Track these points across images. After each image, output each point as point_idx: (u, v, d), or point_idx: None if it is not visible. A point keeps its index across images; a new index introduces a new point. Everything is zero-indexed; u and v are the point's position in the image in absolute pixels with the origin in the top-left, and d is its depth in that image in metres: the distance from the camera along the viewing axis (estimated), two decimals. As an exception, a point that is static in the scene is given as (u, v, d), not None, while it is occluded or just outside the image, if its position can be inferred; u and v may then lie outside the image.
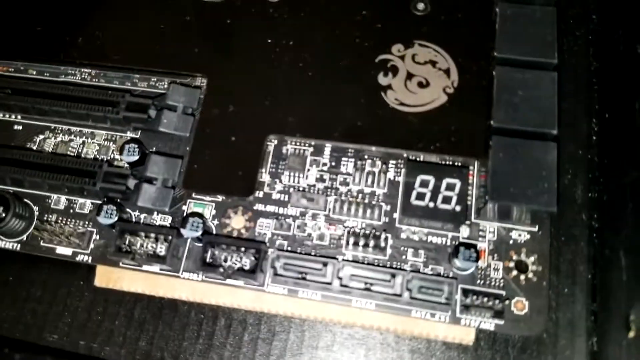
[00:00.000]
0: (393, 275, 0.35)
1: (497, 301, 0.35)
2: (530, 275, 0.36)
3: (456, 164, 0.38)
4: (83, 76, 0.43)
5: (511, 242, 0.37)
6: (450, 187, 0.37)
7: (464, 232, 0.37)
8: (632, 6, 0.40)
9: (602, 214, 0.39)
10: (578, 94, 0.42)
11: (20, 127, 0.42)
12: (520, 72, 0.38)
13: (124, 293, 0.39)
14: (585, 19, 0.45)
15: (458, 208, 0.36)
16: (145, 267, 0.37)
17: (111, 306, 0.39)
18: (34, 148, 0.41)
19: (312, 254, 0.37)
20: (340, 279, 0.35)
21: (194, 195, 0.38)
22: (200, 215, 0.37)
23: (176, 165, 0.38)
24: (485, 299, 0.35)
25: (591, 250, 0.38)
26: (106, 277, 0.38)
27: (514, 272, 0.36)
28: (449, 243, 0.37)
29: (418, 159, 0.38)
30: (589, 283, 0.38)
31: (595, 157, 0.41)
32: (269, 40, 0.41)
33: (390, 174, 0.38)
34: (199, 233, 0.36)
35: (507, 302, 0.35)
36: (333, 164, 0.39)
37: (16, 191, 0.39)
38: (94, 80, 0.43)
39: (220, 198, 0.38)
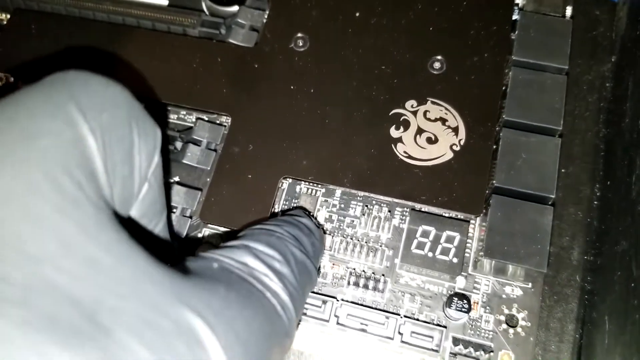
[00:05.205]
0: (387, 318, 0.37)
1: (482, 352, 0.37)
2: (519, 329, 0.38)
3: (459, 216, 0.40)
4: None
5: (504, 296, 0.39)
6: (449, 239, 0.39)
7: (460, 282, 0.39)
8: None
9: (595, 277, 0.40)
10: (584, 158, 0.44)
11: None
12: (525, 135, 0.40)
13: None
14: (598, 86, 0.46)
15: (455, 260, 0.38)
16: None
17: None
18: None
19: (314, 291, 0.39)
20: (337, 317, 0.38)
21: (209, 225, 0.41)
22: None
23: (195, 196, 0.41)
24: (471, 349, 0.37)
25: (581, 311, 0.40)
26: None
27: (504, 326, 0.38)
28: (445, 292, 0.39)
29: (422, 210, 0.40)
30: (577, 342, 0.39)
31: (594, 222, 0.42)
32: (292, 87, 0.43)
33: (396, 221, 0.41)
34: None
35: (492, 353, 0.37)
36: (342, 206, 0.41)
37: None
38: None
39: (232, 229, 0.41)
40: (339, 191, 0.42)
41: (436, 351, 0.37)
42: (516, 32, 0.44)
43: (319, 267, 0.39)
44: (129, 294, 0.23)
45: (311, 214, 0.41)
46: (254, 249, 0.32)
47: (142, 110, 0.30)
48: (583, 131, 0.45)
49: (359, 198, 0.41)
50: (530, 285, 0.39)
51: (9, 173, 0.23)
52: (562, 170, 0.43)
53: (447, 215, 0.40)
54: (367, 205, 0.41)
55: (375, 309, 0.38)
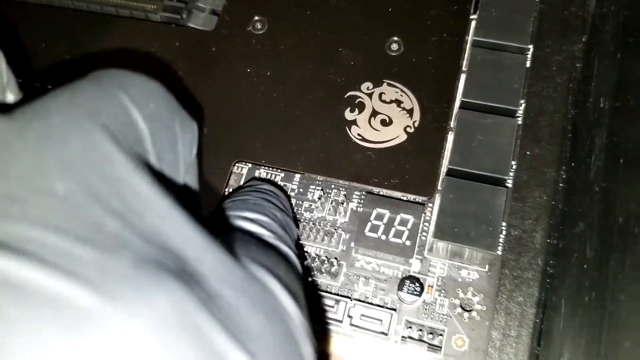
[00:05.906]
0: (337, 302, 0.37)
1: (431, 335, 0.36)
2: (474, 314, 0.37)
3: (416, 200, 0.39)
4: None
5: (459, 279, 0.38)
6: (403, 222, 0.38)
7: (415, 266, 0.38)
8: (607, 60, 0.41)
9: (556, 261, 0.39)
10: (551, 140, 0.43)
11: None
12: (482, 116, 0.39)
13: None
14: (568, 67, 0.45)
15: (408, 243, 0.38)
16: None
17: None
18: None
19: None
20: (287, 301, 0.37)
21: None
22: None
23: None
24: (425, 332, 0.36)
25: (542, 295, 0.39)
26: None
27: (459, 310, 0.37)
28: (400, 275, 0.38)
29: (380, 193, 0.40)
30: (537, 327, 0.38)
31: (559, 205, 0.41)
32: (249, 70, 0.43)
33: (353, 205, 0.40)
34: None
35: (441, 336, 0.36)
36: (301, 190, 0.41)
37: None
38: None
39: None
40: (297, 175, 0.41)
41: (385, 334, 0.36)
42: (477, 12, 0.43)
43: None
44: (203, 247, 0.25)
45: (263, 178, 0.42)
46: (247, 218, 0.33)
47: (179, 104, 0.31)
48: (551, 113, 0.44)
49: (317, 182, 0.41)
50: (487, 268, 0.38)
51: (78, 143, 0.24)
52: (527, 153, 0.42)
53: (405, 198, 0.39)
54: (323, 190, 0.41)
55: (328, 292, 0.38)
